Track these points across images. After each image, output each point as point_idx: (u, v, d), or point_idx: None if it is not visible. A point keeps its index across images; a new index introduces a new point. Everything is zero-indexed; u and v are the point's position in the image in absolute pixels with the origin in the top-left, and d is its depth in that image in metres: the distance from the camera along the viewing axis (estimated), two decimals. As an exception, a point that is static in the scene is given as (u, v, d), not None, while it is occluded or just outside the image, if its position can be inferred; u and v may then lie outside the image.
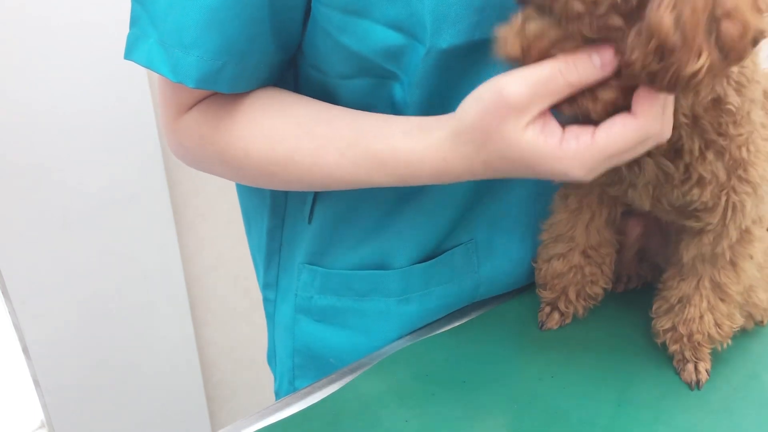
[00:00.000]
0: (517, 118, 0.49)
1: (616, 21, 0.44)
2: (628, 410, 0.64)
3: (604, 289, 0.74)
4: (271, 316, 0.81)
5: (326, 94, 0.63)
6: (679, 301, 0.66)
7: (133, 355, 1.38)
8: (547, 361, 0.70)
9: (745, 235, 0.60)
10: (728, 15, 0.42)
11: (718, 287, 0.63)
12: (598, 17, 0.44)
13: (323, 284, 0.74)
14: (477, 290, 0.76)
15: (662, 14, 0.42)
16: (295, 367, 0.80)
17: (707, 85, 0.44)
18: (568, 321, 0.74)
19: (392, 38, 0.56)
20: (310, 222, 0.72)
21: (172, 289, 1.38)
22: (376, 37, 0.56)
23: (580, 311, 0.74)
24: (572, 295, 0.73)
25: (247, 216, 0.80)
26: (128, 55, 0.59)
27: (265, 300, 0.81)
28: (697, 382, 0.67)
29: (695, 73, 0.43)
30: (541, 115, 0.49)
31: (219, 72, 0.56)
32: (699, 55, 0.42)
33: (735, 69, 0.53)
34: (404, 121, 0.57)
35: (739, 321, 0.67)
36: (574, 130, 0.49)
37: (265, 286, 0.79)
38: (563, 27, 0.46)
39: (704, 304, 0.64)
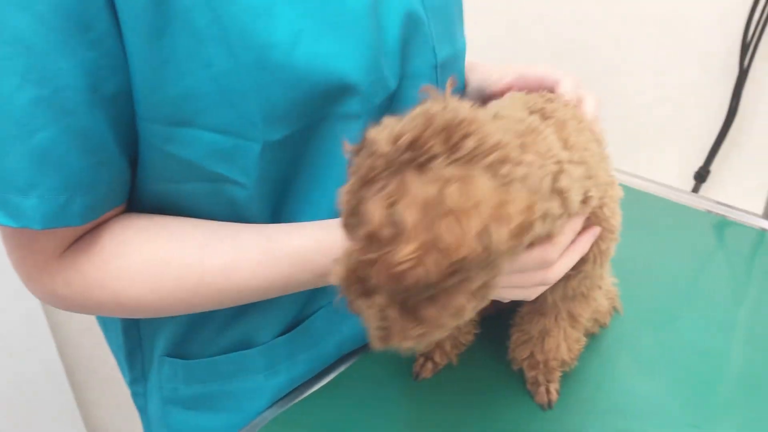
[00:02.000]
0: None
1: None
2: (491, 441, 0.70)
3: (475, 334, 0.78)
4: (143, 410, 0.80)
5: (163, 201, 0.63)
6: (539, 333, 0.71)
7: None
8: (416, 405, 0.74)
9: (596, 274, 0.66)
10: (450, 213, 0.41)
11: (572, 317, 0.69)
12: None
13: (187, 374, 0.73)
14: (341, 348, 0.78)
15: (375, 207, 0.42)
16: (177, 456, 0.79)
17: (432, 276, 0.41)
18: (441, 367, 0.78)
19: (221, 142, 0.57)
20: None
21: (43, 358, 1.33)
22: (203, 142, 0.57)
23: (454, 360, 0.78)
24: (447, 347, 0.77)
25: (102, 319, 0.78)
26: None
27: (134, 395, 0.79)
28: (549, 402, 0.74)
29: (405, 264, 0.41)
30: None
31: (66, 207, 0.54)
32: (409, 248, 0.41)
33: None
34: (302, 225, 0.60)
35: (584, 341, 0.74)
36: None
37: (133, 382, 0.78)
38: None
39: (561, 334, 0.70)
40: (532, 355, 0.73)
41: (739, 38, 1.38)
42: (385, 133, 0.46)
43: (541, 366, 0.73)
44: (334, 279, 0.46)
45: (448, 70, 0.72)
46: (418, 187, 0.42)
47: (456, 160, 0.43)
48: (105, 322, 0.78)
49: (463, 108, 0.46)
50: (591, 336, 0.79)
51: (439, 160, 0.43)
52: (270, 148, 0.58)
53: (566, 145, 0.52)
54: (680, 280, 0.94)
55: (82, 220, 0.56)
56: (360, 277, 0.44)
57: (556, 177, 0.49)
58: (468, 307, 0.46)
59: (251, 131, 0.56)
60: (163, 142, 0.57)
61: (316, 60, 0.56)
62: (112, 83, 0.53)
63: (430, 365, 0.78)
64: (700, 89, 1.50)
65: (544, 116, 0.54)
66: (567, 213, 0.52)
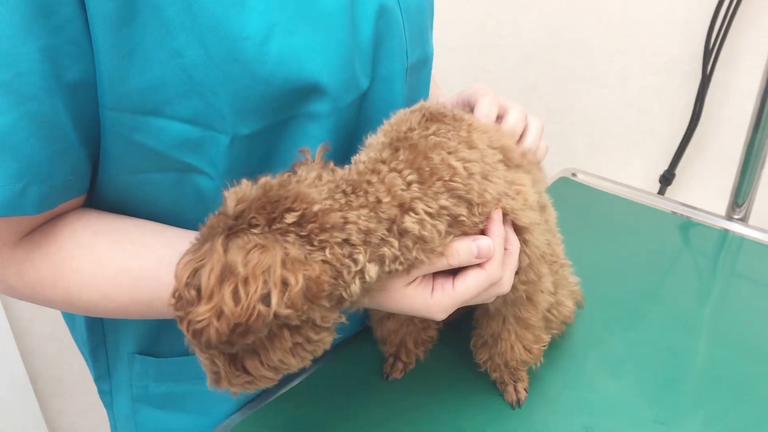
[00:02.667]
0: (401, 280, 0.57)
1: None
2: (460, 441, 0.70)
3: (438, 329, 0.79)
4: (110, 407, 0.79)
5: (128, 192, 0.62)
6: (491, 336, 0.72)
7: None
8: (386, 405, 0.74)
9: (531, 275, 0.66)
10: (236, 279, 0.45)
11: (521, 320, 0.70)
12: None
13: (158, 372, 0.73)
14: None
15: (183, 268, 0.47)
16: (143, 455, 0.78)
17: (222, 336, 0.46)
18: (412, 367, 0.79)
19: (189, 132, 0.56)
20: None
21: (7, 367, 1.30)
22: (171, 132, 0.56)
23: (421, 356, 0.79)
24: (411, 345, 0.77)
25: (66, 313, 0.77)
26: None
27: (101, 392, 0.78)
28: (518, 401, 0.74)
29: (199, 324, 0.45)
30: (422, 278, 0.58)
31: (21, 195, 0.53)
32: (202, 309, 0.45)
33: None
34: None
35: (546, 339, 0.74)
36: (440, 282, 0.58)
37: (98, 378, 0.77)
38: None
39: (513, 337, 0.71)
40: (491, 357, 0.74)
41: (702, 44, 1.40)
42: (233, 195, 0.50)
43: (502, 367, 0.74)
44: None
45: (416, 75, 0.72)
46: (223, 253, 0.46)
47: (273, 231, 0.48)
48: (70, 318, 0.77)
49: (303, 184, 0.52)
50: (558, 335, 0.80)
51: (257, 230, 0.48)
52: (239, 142, 0.58)
53: (420, 175, 0.55)
54: (646, 280, 0.96)
55: (37, 209, 0.54)
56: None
57: (398, 220, 0.53)
58: (291, 362, 0.52)
59: (220, 123, 0.56)
60: (129, 131, 0.56)
61: (289, 55, 0.56)
62: (75, 70, 0.52)
63: (400, 365, 0.78)
64: (665, 94, 1.53)
65: (397, 149, 0.57)
66: (432, 241, 0.55)
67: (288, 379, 0.78)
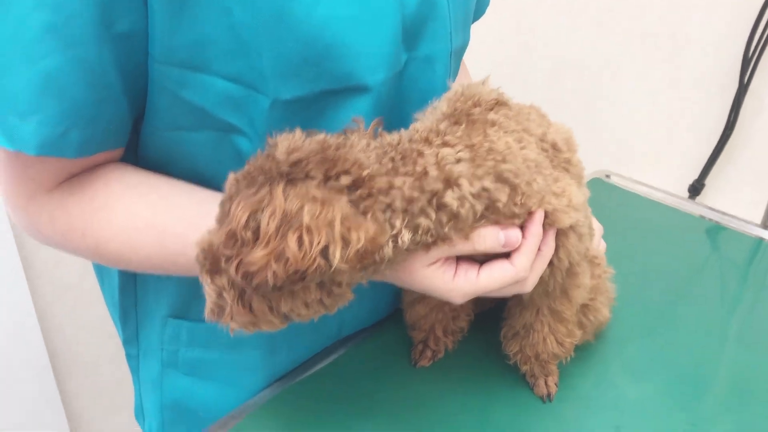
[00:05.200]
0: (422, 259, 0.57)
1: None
2: (489, 430, 0.69)
3: (469, 321, 0.78)
4: (135, 371, 0.79)
5: (169, 149, 0.63)
6: (523, 327, 0.71)
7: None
8: (414, 393, 0.73)
9: (569, 272, 0.66)
10: (301, 228, 0.46)
11: (555, 313, 0.69)
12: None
13: (190, 337, 0.73)
14: (341, 330, 0.78)
15: (241, 208, 0.47)
16: (165, 422, 0.78)
17: (277, 281, 0.47)
18: (440, 356, 0.78)
19: (232, 91, 0.57)
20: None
21: (28, 344, 1.31)
22: (216, 90, 0.57)
23: (450, 345, 0.78)
24: (439, 333, 0.76)
25: (99, 270, 0.78)
26: None
27: (128, 356, 0.78)
28: (548, 395, 0.73)
29: (255, 267, 0.46)
30: (444, 259, 0.57)
31: (63, 137, 0.54)
32: (261, 253, 0.46)
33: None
34: None
35: (578, 335, 0.73)
36: (465, 268, 0.58)
37: (126, 342, 0.77)
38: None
39: (546, 329, 0.70)
40: (521, 349, 0.73)
41: (739, 54, 1.39)
42: (285, 142, 0.51)
43: (533, 360, 0.73)
44: (197, 246, 0.50)
45: (458, 60, 0.72)
46: (284, 200, 0.47)
47: (328, 188, 0.49)
48: (102, 278, 0.77)
49: (356, 149, 0.52)
50: (592, 341, 0.79)
51: (313, 182, 0.49)
52: (279, 106, 0.58)
53: (473, 153, 0.54)
54: (678, 283, 0.94)
55: (76, 153, 0.56)
56: (215, 256, 0.49)
57: (440, 193, 0.53)
58: (304, 314, 0.53)
59: (262, 85, 0.57)
60: (176, 86, 0.57)
61: (334, 22, 0.56)
62: (126, 21, 0.52)
63: (428, 353, 0.77)
64: (698, 104, 1.52)
65: (457, 122, 0.57)
66: (465, 220, 0.55)
67: (318, 358, 0.77)
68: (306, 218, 0.46)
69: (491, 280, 0.58)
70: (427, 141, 0.54)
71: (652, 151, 1.61)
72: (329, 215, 0.47)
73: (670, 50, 1.48)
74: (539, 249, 0.60)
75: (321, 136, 0.53)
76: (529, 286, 0.61)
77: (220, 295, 0.51)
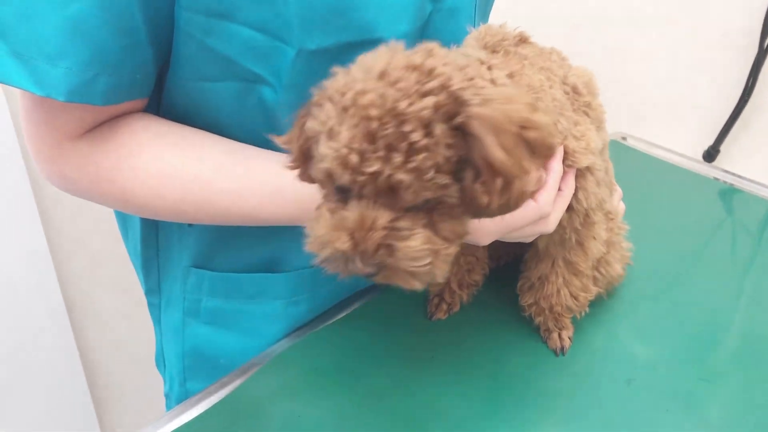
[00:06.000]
0: None
1: (444, 179, 0.45)
2: (502, 381, 0.70)
3: (484, 275, 0.79)
4: (157, 320, 0.81)
5: (194, 100, 0.63)
6: (539, 279, 0.72)
7: (12, 368, 1.32)
8: (429, 344, 0.75)
9: (586, 220, 0.67)
10: (526, 125, 0.45)
11: (570, 264, 0.70)
12: (426, 182, 0.44)
13: (212, 287, 0.74)
14: (360, 282, 0.79)
15: (497, 153, 0.43)
16: (186, 369, 0.80)
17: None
18: (456, 309, 0.79)
19: (258, 40, 0.57)
20: (190, 225, 0.72)
21: (45, 295, 1.33)
22: (241, 38, 0.57)
23: (465, 298, 0.79)
24: (455, 286, 0.77)
25: (122, 221, 0.79)
26: None
27: (150, 305, 0.80)
28: (562, 348, 0.74)
29: (530, 191, 0.46)
30: None
31: (91, 84, 0.54)
32: (528, 174, 0.45)
33: None
34: None
35: (593, 291, 0.75)
36: None
37: (148, 292, 0.79)
38: (380, 204, 0.45)
39: (560, 281, 0.71)
40: (536, 301, 0.74)
41: (761, 17, 1.37)
42: (353, 72, 0.48)
43: (547, 312, 0.74)
44: (331, 250, 0.46)
45: (484, 12, 0.71)
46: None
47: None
48: (125, 229, 0.79)
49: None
50: (605, 294, 0.80)
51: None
52: (304, 57, 0.58)
53: (512, 78, 0.54)
54: (692, 244, 0.95)
55: (104, 100, 0.56)
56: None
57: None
58: (460, 231, 0.49)
59: (287, 34, 0.57)
60: (202, 34, 0.57)
61: None
62: None
63: (444, 306, 0.78)
64: (716, 68, 1.50)
65: (495, 51, 0.57)
66: None
67: (337, 309, 0.79)
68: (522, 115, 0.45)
69: (515, 217, 0.57)
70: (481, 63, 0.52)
71: (668, 115, 1.60)
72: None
73: (693, 10, 1.46)
74: (560, 189, 0.60)
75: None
76: (551, 225, 0.61)
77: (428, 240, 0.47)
